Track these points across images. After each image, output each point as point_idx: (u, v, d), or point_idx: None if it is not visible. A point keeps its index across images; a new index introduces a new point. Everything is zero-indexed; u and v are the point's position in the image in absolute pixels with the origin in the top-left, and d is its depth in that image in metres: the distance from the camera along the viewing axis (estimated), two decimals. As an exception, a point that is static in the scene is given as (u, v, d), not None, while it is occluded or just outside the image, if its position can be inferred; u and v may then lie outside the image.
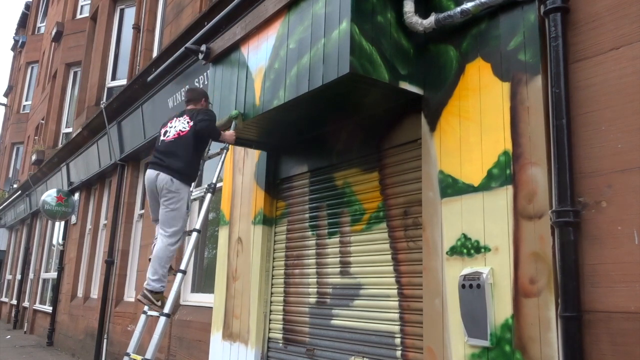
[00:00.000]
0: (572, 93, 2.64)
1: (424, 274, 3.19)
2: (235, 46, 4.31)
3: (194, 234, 3.95)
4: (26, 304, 15.43)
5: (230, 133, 4.15)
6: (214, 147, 4.45)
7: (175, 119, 4.20)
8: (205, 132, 4.01)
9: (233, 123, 4.13)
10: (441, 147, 3.20)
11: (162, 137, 4.17)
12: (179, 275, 3.82)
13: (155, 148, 4.23)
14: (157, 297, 3.89)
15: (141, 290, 3.98)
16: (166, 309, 3.72)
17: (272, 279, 4.73)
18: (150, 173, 4.04)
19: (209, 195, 4.09)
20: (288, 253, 4.61)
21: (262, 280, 4.70)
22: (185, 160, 3.98)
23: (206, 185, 4.17)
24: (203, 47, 4.60)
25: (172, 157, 3.98)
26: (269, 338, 4.63)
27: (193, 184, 4.15)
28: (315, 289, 4.25)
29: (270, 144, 4.82)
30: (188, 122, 4.06)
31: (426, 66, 3.38)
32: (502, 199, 2.82)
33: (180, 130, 4.05)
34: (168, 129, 4.16)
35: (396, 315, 3.50)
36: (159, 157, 4.07)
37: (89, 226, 11.03)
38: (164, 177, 3.95)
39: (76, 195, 11.68)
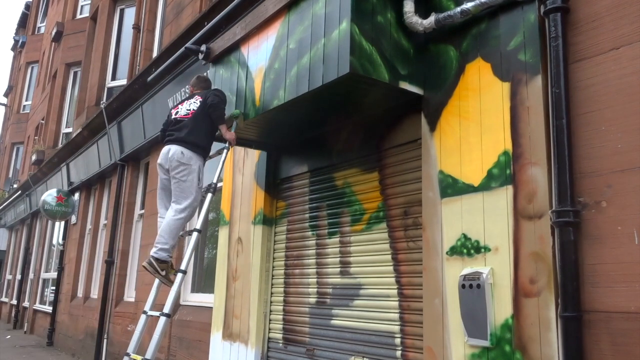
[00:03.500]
0: (572, 93, 2.64)
1: (424, 274, 3.19)
2: (235, 46, 4.31)
3: (195, 234, 3.95)
4: (26, 304, 15.43)
5: (231, 133, 4.14)
6: (214, 146, 4.45)
7: (186, 101, 4.22)
8: (211, 107, 4.00)
9: (234, 122, 4.12)
10: (441, 147, 3.20)
11: (173, 115, 4.19)
12: (179, 275, 3.82)
13: (165, 127, 4.24)
14: (162, 266, 3.89)
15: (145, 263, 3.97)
16: (166, 309, 3.71)
17: (272, 279, 4.73)
18: (164, 149, 4.07)
19: (209, 195, 4.09)
20: (288, 253, 4.61)
21: (262, 280, 4.70)
22: (197, 133, 4.00)
23: (206, 185, 4.16)
24: (203, 47, 4.60)
25: (183, 130, 4.01)
26: (269, 338, 4.63)
27: (205, 160, 4.17)
28: (315, 289, 4.25)
29: (270, 144, 4.82)
30: (200, 102, 4.08)
31: (426, 66, 3.38)
32: (502, 199, 2.82)
33: (193, 109, 4.08)
34: (179, 109, 4.18)
35: (396, 315, 3.50)
36: (170, 132, 4.10)
37: (89, 226, 11.03)
38: (175, 149, 3.96)
39: (76, 195, 11.68)
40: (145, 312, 4.00)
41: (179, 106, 4.24)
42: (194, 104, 4.12)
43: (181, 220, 3.94)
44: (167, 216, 3.97)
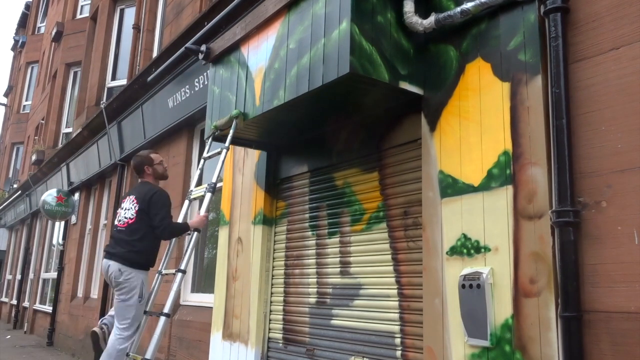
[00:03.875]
0: (572, 93, 2.64)
1: (424, 274, 3.19)
2: (235, 46, 4.31)
3: (194, 234, 3.95)
4: (26, 304, 15.43)
5: (200, 218, 4.03)
6: (214, 146, 4.45)
7: (127, 198, 4.16)
8: (170, 237, 4.04)
9: (234, 122, 4.12)
10: (441, 147, 3.20)
11: (115, 222, 4.11)
12: (179, 274, 3.82)
13: (111, 234, 4.16)
14: None
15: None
16: (166, 309, 3.71)
17: (272, 279, 4.73)
18: (104, 263, 4.01)
19: (208, 195, 4.08)
20: (288, 253, 4.61)
21: (262, 280, 4.70)
22: (136, 248, 3.92)
23: (206, 185, 4.17)
24: (203, 47, 4.60)
25: (121, 244, 3.94)
26: (269, 338, 4.63)
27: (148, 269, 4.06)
28: (315, 289, 4.25)
29: (270, 144, 4.82)
30: (135, 208, 3.99)
31: (426, 66, 3.38)
32: (502, 199, 2.82)
33: (129, 218, 3.98)
34: (121, 210, 4.11)
35: (396, 315, 3.50)
36: (111, 245, 4.03)
37: (89, 226, 11.03)
38: (113, 267, 3.89)
39: (76, 195, 11.68)
40: (145, 312, 4.00)
41: (122, 205, 4.14)
42: (129, 210, 4.01)
43: (124, 344, 3.84)
44: (110, 339, 3.88)
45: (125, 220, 4.01)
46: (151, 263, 4.08)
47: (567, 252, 2.49)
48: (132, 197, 4.07)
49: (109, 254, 3.99)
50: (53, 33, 14.91)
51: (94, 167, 10.30)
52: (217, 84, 4.53)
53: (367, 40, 3.13)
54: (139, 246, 3.94)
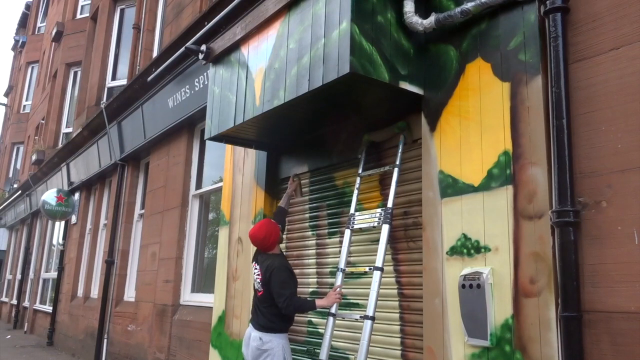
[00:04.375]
0: (572, 93, 2.64)
1: (424, 274, 3.19)
2: (235, 46, 4.31)
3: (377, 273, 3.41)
4: (26, 304, 15.44)
5: (332, 297, 3.57)
6: (367, 160, 3.93)
7: (254, 262, 3.91)
8: (293, 314, 3.74)
9: (401, 137, 3.62)
10: (441, 147, 3.20)
11: (254, 284, 3.91)
12: (377, 273, 3.37)
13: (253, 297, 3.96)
14: None
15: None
16: (370, 311, 3.33)
17: (272, 279, 4.72)
18: (246, 334, 3.87)
19: (385, 228, 3.40)
20: (288, 253, 4.61)
21: (262, 280, 4.69)
22: (270, 316, 3.73)
23: (379, 211, 3.53)
24: (203, 47, 4.60)
25: (259, 313, 3.79)
26: (269, 338, 4.62)
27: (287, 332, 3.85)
28: (315, 289, 4.25)
29: (270, 144, 4.82)
30: (260, 283, 3.76)
31: (426, 66, 3.38)
32: (502, 199, 2.82)
33: (257, 290, 3.82)
34: (255, 276, 3.87)
35: (396, 315, 3.50)
36: (252, 313, 3.88)
37: (89, 226, 11.03)
38: (254, 336, 3.75)
39: (76, 195, 11.69)
40: (333, 314, 3.57)
41: (254, 267, 3.88)
42: (257, 282, 3.82)
43: None
44: None
45: (257, 290, 3.84)
46: (289, 324, 3.84)
47: (567, 252, 2.49)
48: (259, 269, 3.83)
49: (252, 322, 3.82)
50: (53, 33, 14.91)
51: (94, 167, 10.30)
52: (217, 84, 4.53)
53: (367, 40, 3.13)
54: (272, 314, 3.75)
